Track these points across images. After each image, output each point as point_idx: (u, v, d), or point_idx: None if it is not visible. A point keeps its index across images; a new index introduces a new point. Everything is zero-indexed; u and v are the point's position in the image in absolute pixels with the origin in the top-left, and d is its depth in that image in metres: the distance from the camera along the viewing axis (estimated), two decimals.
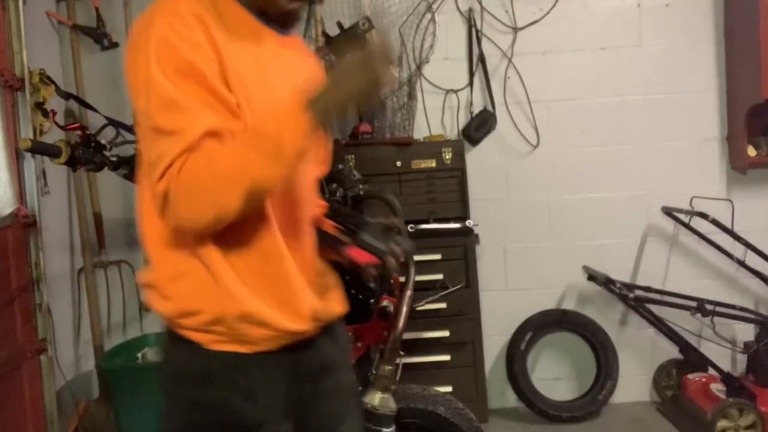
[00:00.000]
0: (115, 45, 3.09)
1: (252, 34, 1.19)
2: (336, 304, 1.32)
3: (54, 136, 2.65)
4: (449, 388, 2.80)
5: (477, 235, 2.97)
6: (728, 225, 2.97)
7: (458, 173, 2.99)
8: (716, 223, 2.95)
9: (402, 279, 1.80)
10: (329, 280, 1.34)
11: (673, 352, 3.14)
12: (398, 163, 2.90)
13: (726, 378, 2.85)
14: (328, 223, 1.43)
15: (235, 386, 1.17)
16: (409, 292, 1.78)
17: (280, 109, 1.05)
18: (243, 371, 1.17)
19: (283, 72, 1.22)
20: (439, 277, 2.74)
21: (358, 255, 1.32)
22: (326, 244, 1.36)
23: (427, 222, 2.89)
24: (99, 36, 3.06)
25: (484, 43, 3.16)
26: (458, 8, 3.17)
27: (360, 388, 1.88)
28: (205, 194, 1.03)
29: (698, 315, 2.89)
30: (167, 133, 1.05)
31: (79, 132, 1.97)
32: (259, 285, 1.15)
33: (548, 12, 3.15)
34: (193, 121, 1.04)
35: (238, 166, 1.02)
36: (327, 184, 1.89)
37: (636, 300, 2.90)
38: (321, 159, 1.40)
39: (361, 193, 1.98)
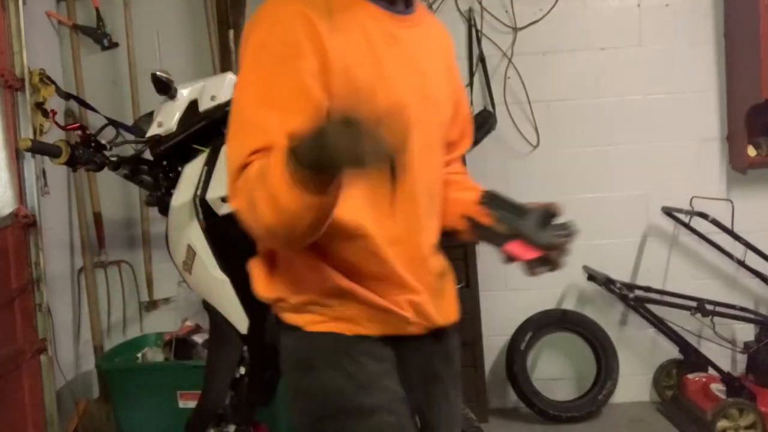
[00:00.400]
0: (115, 45, 3.09)
1: (364, 20, 1.13)
2: (449, 310, 1.26)
3: (54, 136, 2.65)
4: None
5: None
6: (728, 225, 2.97)
7: None
8: (716, 223, 2.95)
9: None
10: (447, 284, 1.28)
11: (673, 352, 3.14)
12: None
13: (726, 378, 2.85)
14: (481, 210, 1.26)
15: (339, 369, 1.14)
16: None
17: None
18: (347, 354, 1.14)
19: (400, 59, 1.16)
20: None
21: (520, 250, 1.15)
22: (481, 237, 1.25)
23: None
24: (99, 36, 3.06)
25: (484, 43, 3.16)
26: (458, 8, 3.17)
27: None
28: (255, 208, 1.00)
29: (698, 315, 2.89)
30: (248, 131, 1.04)
31: (79, 132, 1.97)
32: (355, 277, 1.14)
33: (548, 12, 3.15)
34: (274, 125, 1.01)
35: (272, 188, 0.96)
36: None
37: (636, 300, 2.90)
38: (454, 140, 1.35)
39: None
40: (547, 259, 1.13)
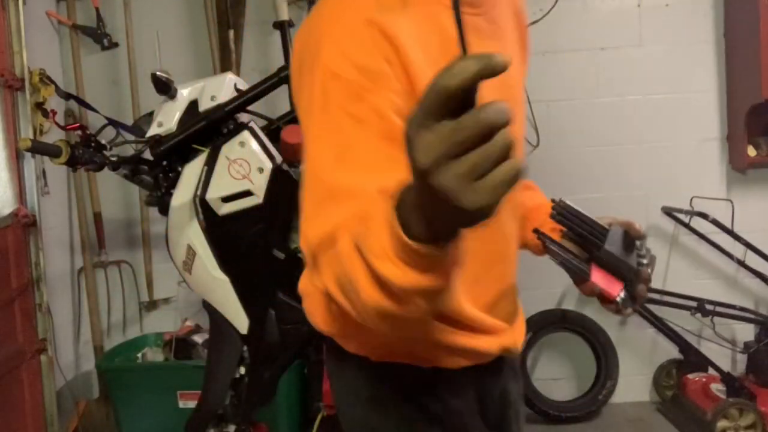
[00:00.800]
0: (115, 45, 3.09)
1: (439, 10, 0.90)
2: (522, 329, 1.11)
3: (54, 136, 2.65)
4: None
5: None
6: (728, 225, 2.97)
7: None
8: (716, 223, 2.94)
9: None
10: (518, 301, 1.13)
11: (673, 352, 3.13)
12: None
13: (726, 378, 2.85)
14: (554, 226, 1.07)
15: (416, 405, 1.00)
16: None
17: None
18: (425, 389, 0.99)
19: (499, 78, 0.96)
20: None
21: (606, 282, 0.96)
22: (553, 256, 1.03)
23: None
24: (99, 36, 3.06)
25: None
26: None
27: None
28: (354, 288, 0.75)
29: (698, 315, 2.89)
30: (331, 197, 0.81)
31: (79, 132, 1.98)
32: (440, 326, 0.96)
33: (548, 12, 3.14)
34: (363, 186, 0.79)
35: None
36: None
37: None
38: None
39: None
40: (634, 294, 0.96)
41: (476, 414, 1.05)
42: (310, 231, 0.83)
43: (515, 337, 1.07)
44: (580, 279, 1.01)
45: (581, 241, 0.99)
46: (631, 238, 1.00)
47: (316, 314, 1.00)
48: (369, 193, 0.77)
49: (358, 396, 1.03)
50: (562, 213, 1.02)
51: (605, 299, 0.99)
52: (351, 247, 0.74)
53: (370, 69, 0.84)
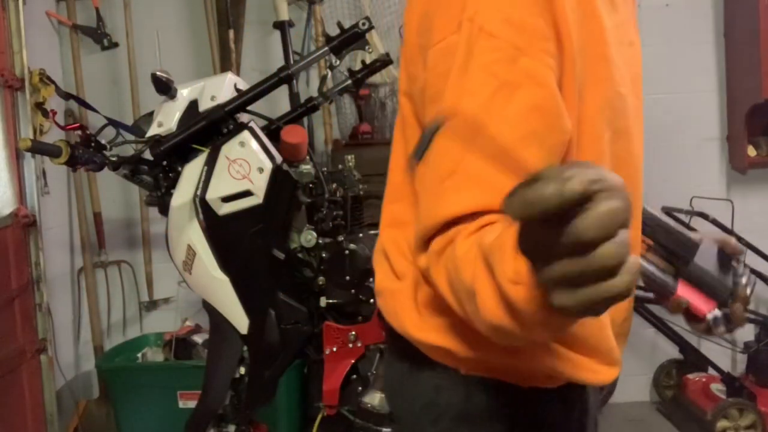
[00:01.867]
0: (115, 45, 3.09)
1: None
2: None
3: (54, 136, 2.65)
4: None
5: None
6: (728, 225, 2.96)
7: None
8: (716, 223, 2.94)
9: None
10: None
11: (673, 352, 3.13)
12: None
13: (726, 378, 2.85)
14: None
15: (509, 424, 0.87)
16: None
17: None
18: (519, 406, 0.86)
19: (624, 53, 0.85)
20: None
21: (698, 300, 0.88)
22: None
23: None
24: (99, 36, 3.06)
25: None
26: None
27: (360, 388, 1.88)
28: (473, 298, 0.67)
29: None
30: (461, 179, 0.71)
31: (79, 132, 1.98)
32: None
33: None
34: (501, 183, 0.64)
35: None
36: (327, 184, 1.89)
37: (636, 300, 2.89)
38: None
39: (361, 193, 1.98)
40: (730, 316, 0.88)
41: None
42: (429, 205, 0.74)
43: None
44: (665, 294, 0.91)
45: (668, 254, 0.89)
46: (727, 256, 0.91)
47: (404, 315, 0.88)
48: (498, 189, 0.59)
49: (442, 411, 0.88)
50: (647, 223, 0.91)
51: (693, 317, 0.90)
52: (478, 259, 0.65)
53: (529, 29, 0.71)
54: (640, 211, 0.91)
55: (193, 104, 1.86)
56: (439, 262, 0.73)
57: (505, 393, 0.86)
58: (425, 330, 0.86)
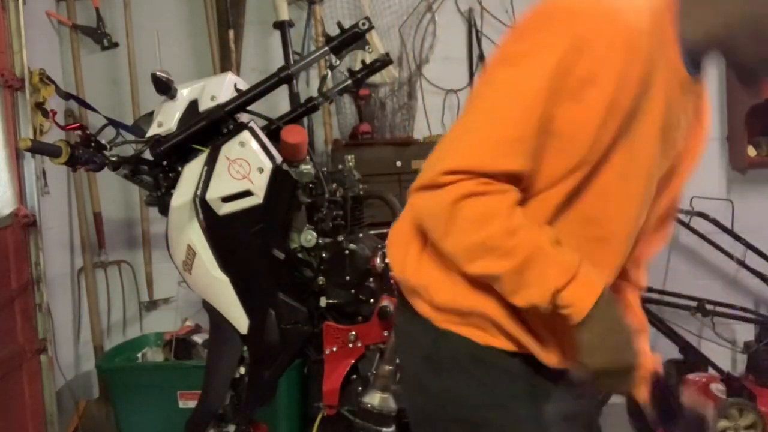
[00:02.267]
0: (115, 45, 3.09)
1: (678, 87, 1.04)
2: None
3: (54, 136, 2.65)
4: None
5: None
6: (728, 225, 2.97)
7: None
8: (716, 223, 2.94)
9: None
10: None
11: (673, 352, 3.13)
12: (398, 164, 2.89)
13: (726, 378, 2.85)
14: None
15: (467, 376, 1.09)
16: None
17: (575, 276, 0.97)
18: (476, 362, 1.09)
19: (674, 138, 1.08)
20: None
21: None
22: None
23: None
24: (99, 36, 3.06)
25: (484, 43, 3.16)
26: (458, 8, 3.16)
27: (360, 388, 1.88)
28: (464, 244, 1.00)
29: (698, 315, 2.88)
30: (487, 137, 0.99)
31: (79, 132, 1.97)
32: (524, 324, 1.09)
33: None
34: (522, 155, 0.98)
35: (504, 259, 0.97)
36: (327, 184, 1.89)
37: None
38: (665, 232, 1.25)
39: (361, 193, 1.98)
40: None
41: (529, 404, 1.11)
42: (454, 149, 1.01)
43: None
44: None
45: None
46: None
47: (407, 266, 1.13)
48: (515, 164, 0.98)
49: (418, 352, 1.14)
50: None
51: None
52: (529, 243, 0.96)
53: (620, 72, 0.93)
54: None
55: (193, 104, 1.86)
56: (468, 216, 0.98)
57: (464, 347, 1.09)
58: (417, 275, 1.12)
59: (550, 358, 1.10)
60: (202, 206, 1.76)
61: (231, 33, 2.98)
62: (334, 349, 1.87)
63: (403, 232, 1.15)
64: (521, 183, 1.00)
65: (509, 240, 0.96)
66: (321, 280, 1.86)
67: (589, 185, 1.01)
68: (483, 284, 1.05)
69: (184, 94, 1.87)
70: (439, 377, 1.11)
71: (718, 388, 2.88)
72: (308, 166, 1.85)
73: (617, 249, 1.09)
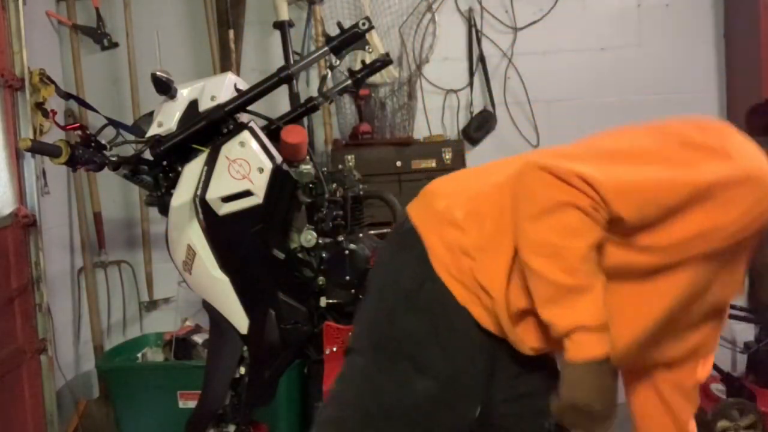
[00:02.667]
0: (115, 45, 3.09)
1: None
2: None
3: (54, 136, 2.65)
4: None
5: None
6: None
7: None
8: None
9: None
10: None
11: None
12: (398, 163, 2.90)
13: (726, 378, 2.85)
14: None
15: (432, 324, 1.19)
16: None
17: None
18: (447, 315, 1.17)
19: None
20: None
21: None
22: None
23: None
24: (99, 36, 3.06)
25: (484, 43, 3.16)
26: (458, 8, 3.17)
27: None
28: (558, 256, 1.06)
29: None
30: (634, 180, 1.07)
31: (79, 132, 1.97)
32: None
33: (548, 12, 3.15)
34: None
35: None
36: (327, 184, 1.89)
37: None
38: (707, 355, 1.33)
39: (361, 193, 1.98)
40: None
41: (478, 374, 1.21)
42: (599, 175, 1.04)
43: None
44: None
45: None
46: None
47: (468, 210, 1.20)
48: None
49: (400, 288, 1.22)
50: None
51: None
52: (588, 278, 1.05)
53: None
54: None
55: (193, 104, 1.86)
56: (554, 219, 1.06)
57: (445, 296, 1.17)
58: (469, 221, 1.19)
59: (524, 348, 1.19)
60: (202, 206, 1.76)
61: (231, 33, 2.98)
62: (334, 349, 1.87)
63: (490, 195, 1.20)
64: (614, 226, 1.07)
65: (580, 262, 1.04)
66: (321, 280, 1.86)
67: (643, 279, 1.11)
68: (517, 279, 1.13)
69: (184, 94, 1.87)
70: (407, 314, 1.20)
71: (718, 388, 2.88)
72: (308, 166, 1.85)
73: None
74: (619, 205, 1.03)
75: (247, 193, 1.75)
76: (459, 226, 1.18)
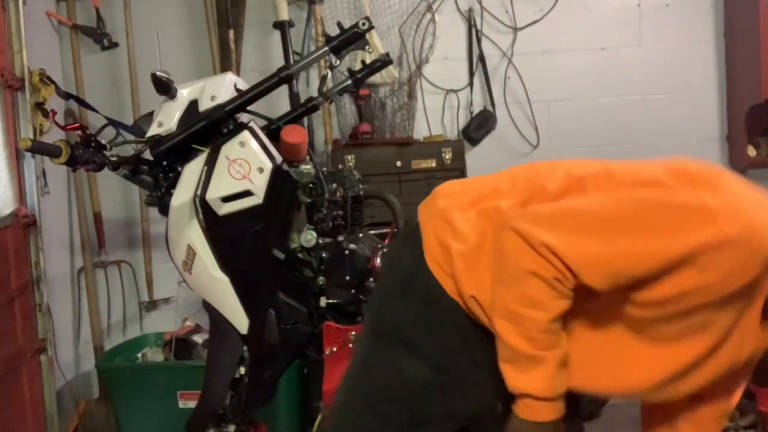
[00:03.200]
0: (115, 45, 3.09)
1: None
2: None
3: (54, 136, 2.65)
4: None
5: None
6: None
7: (458, 173, 2.98)
8: None
9: None
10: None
11: None
12: (398, 163, 2.90)
13: None
14: None
15: (424, 307, 1.22)
16: None
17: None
18: (436, 302, 1.20)
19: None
20: None
21: None
22: None
23: None
24: (99, 36, 3.06)
25: (484, 43, 3.16)
26: (458, 8, 3.17)
27: None
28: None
29: None
30: (603, 252, 1.07)
31: (79, 132, 1.97)
32: None
33: (548, 12, 3.15)
34: None
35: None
36: (327, 184, 1.89)
37: None
38: (732, 396, 1.37)
39: (361, 193, 1.98)
40: None
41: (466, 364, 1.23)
42: (566, 247, 1.05)
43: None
44: None
45: None
46: None
47: (469, 217, 1.22)
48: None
49: (400, 275, 1.25)
50: None
51: None
52: (544, 343, 1.09)
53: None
54: None
55: (193, 104, 1.86)
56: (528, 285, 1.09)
57: (435, 286, 1.19)
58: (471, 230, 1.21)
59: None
60: (202, 206, 1.76)
61: (231, 33, 2.99)
62: (334, 349, 1.87)
63: (485, 211, 1.22)
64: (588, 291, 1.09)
65: (538, 333, 1.08)
66: (321, 280, 1.86)
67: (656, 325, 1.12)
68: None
69: (184, 94, 1.87)
70: (402, 298, 1.24)
71: None
72: (308, 166, 1.85)
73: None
74: (587, 277, 1.05)
75: (247, 193, 1.75)
76: (452, 227, 1.21)
